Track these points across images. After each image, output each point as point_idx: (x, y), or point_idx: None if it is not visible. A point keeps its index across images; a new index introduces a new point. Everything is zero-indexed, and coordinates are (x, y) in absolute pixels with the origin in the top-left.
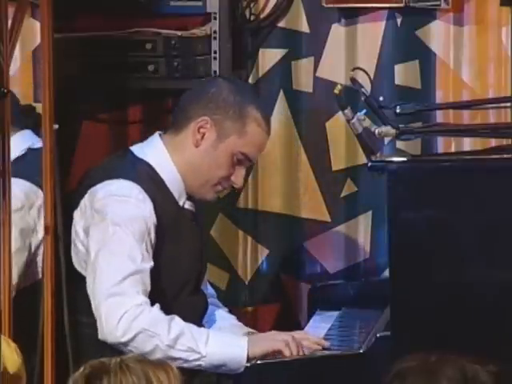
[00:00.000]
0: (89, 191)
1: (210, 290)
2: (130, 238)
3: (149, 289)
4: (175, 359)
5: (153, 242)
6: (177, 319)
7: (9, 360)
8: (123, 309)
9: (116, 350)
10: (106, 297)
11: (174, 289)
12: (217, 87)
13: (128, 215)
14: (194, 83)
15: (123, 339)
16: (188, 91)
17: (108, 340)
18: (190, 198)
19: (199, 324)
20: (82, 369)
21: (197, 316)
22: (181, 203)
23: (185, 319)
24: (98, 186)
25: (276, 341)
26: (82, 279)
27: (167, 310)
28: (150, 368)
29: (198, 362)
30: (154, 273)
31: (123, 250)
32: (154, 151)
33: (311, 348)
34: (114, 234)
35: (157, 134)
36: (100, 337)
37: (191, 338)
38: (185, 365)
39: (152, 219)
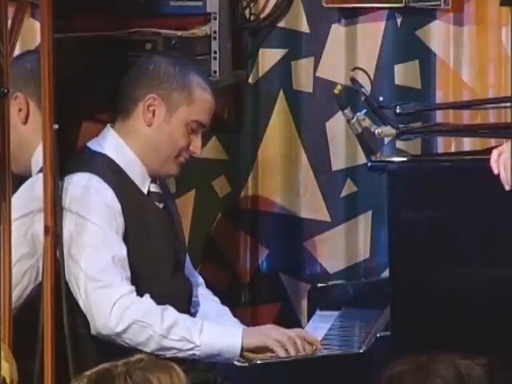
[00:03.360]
0: None
1: (198, 279)
2: (100, 227)
3: (129, 274)
4: (169, 349)
5: (121, 228)
6: (170, 309)
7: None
8: (112, 300)
9: (111, 348)
10: (92, 290)
11: (149, 274)
12: (155, 63)
13: (92, 205)
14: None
15: (117, 329)
16: (126, 75)
17: (102, 333)
18: (154, 180)
19: (185, 308)
20: (88, 374)
21: (180, 299)
22: (145, 189)
23: (166, 303)
24: (63, 182)
25: (270, 338)
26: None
27: (147, 294)
28: (154, 377)
29: (192, 352)
30: (128, 259)
31: (96, 240)
32: (108, 142)
33: (304, 348)
34: (83, 227)
35: (108, 126)
36: (93, 331)
37: (185, 327)
38: (179, 354)
39: (116, 206)
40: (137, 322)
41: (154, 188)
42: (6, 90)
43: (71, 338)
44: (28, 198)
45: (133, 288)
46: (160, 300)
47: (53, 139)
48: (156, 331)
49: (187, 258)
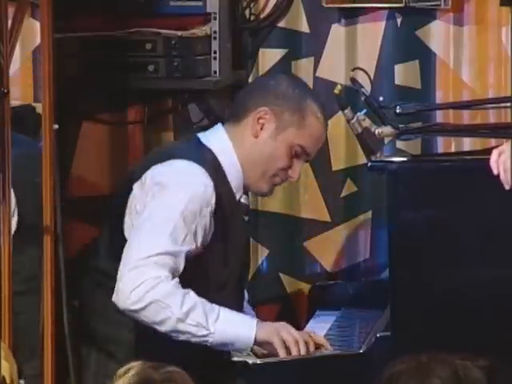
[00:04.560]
0: (152, 167)
1: (246, 294)
2: (180, 218)
3: (180, 270)
4: (183, 333)
5: (205, 226)
6: (191, 294)
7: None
8: (141, 279)
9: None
10: (132, 267)
11: (219, 281)
12: (276, 80)
13: (187, 193)
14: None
15: (134, 307)
16: (248, 85)
17: (119, 306)
18: (246, 192)
19: None
20: (128, 371)
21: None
22: (237, 197)
23: None
24: (162, 164)
25: (277, 336)
26: None
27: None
28: None
29: (205, 338)
30: (201, 261)
31: (167, 227)
32: (217, 139)
33: (308, 351)
34: (166, 212)
35: (220, 124)
36: (113, 299)
37: (202, 313)
38: (192, 339)
39: (210, 205)
40: (156, 302)
41: (243, 200)
42: (6, 90)
43: (71, 338)
44: None
45: (168, 275)
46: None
47: (53, 139)
48: (174, 313)
49: None
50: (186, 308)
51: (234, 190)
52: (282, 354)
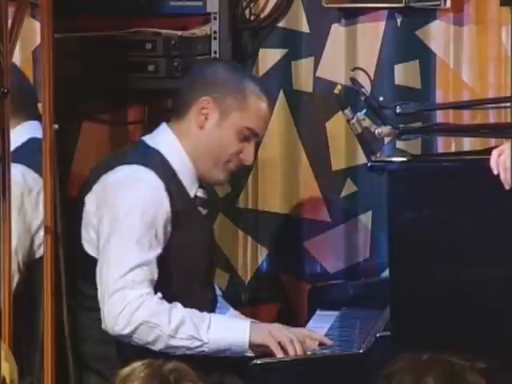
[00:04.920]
0: (101, 177)
1: (218, 291)
2: (140, 225)
3: (156, 277)
4: (177, 347)
5: (166, 228)
6: (178, 307)
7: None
8: (124, 302)
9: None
10: (112, 291)
11: (184, 280)
12: (212, 68)
13: (140, 200)
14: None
15: (124, 332)
16: (185, 77)
17: (110, 332)
18: (201, 185)
19: None
20: (134, 370)
21: (206, 308)
22: (192, 193)
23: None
24: (111, 172)
25: (272, 339)
26: (95, 263)
27: (177, 301)
28: None
29: (201, 349)
30: (164, 263)
31: (132, 237)
32: (164, 140)
33: (312, 347)
34: (124, 220)
35: (164, 124)
36: (102, 327)
37: (192, 325)
38: (188, 352)
39: (165, 206)
40: (145, 323)
41: (200, 193)
42: (6, 90)
43: (71, 338)
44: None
45: (149, 290)
46: (188, 306)
47: (53, 139)
48: (164, 331)
49: None
50: (175, 323)
51: (187, 187)
52: (279, 355)
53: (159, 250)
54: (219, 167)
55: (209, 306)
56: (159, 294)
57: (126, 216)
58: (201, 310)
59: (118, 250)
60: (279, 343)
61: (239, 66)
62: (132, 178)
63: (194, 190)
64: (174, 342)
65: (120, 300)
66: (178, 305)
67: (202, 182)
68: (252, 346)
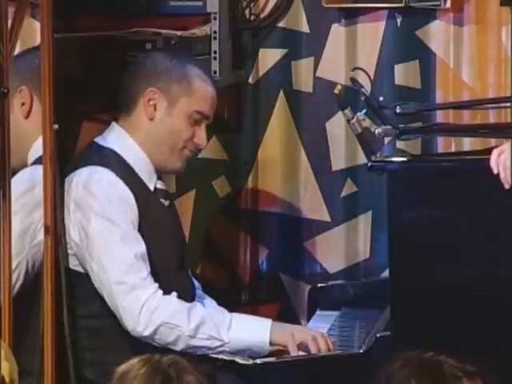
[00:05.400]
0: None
1: (195, 283)
2: (117, 224)
3: (149, 268)
4: (198, 348)
5: (136, 220)
6: (198, 307)
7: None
8: (139, 303)
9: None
10: (118, 294)
11: (157, 270)
12: (152, 58)
13: (106, 200)
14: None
15: (146, 333)
16: (126, 72)
17: (134, 334)
18: (160, 177)
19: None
20: (132, 366)
21: (186, 296)
22: (151, 186)
23: None
24: (70, 176)
25: (293, 341)
26: (75, 275)
27: (172, 292)
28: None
29: (221, 349)
30: None
31: (115, 238)
32: (116, 138)
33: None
34: (102, 225)
35: (113, 122)
36: (124, 327)
37: (212, 325)
38: (208, 352)
39: (130, 198)
40: (164, 324)
41: (160, 185)
42: (6, 90)
43: (71, 338)
44: (21, 192)
45: (157, 285)
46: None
47: (53, 139)
48: (184, 332)
49: None
50: (195, 323)
51: (146, 181)
52: (313, 349)
53: (142, 241)
54: (175, 155)
55: (187, 293)
56: (175, 293)
57: (101, 224)
58: (179, 297)
59: (109, 256)
60: (299, 344)
61: (179, 52)
62: (91, 181)
63: (153, 183)
64: (194, 342)
65: (133, 301)
66: (198, 304)
67: (161, 174)
68: (273, 345)
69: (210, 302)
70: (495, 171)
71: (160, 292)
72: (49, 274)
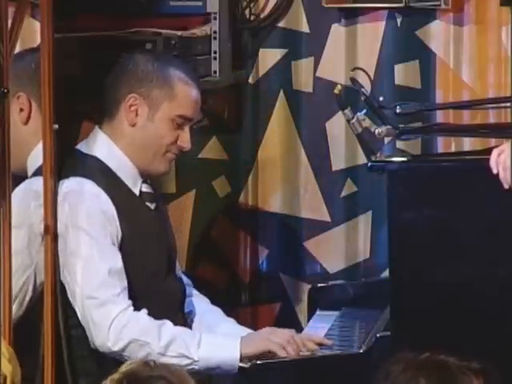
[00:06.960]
0: None
1: (185, 279)
2: (94, 238)
3: (126, 283)
4: None
5: (117, 233)
6: (168, 325)
7: (5, 368)
8: (109, 319)
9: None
10: (89, 308)
11: (144, 275)
12: (133, 62)
13: (85, 213)
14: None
15: (115, 349)
16: (108, 76)
17: (100, 350)
18: (145, 180)
19: (179, 308)
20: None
21: (175, 299)
22: (136, 190)
23: (161, 307)
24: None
25: (271, 342)
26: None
27: (140, 300)
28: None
29: (191, 367)
30: (124, 265)
31: (92, 252)
32: (99, 144)
33: (313, 349)
34: (78, 237)
35: (96, 127)
36: (92, 346)
37: (182, 343)
38: None
39: (111, 211)
40: (134, 341)
41: (145, 188)
42: (6, 90)
43: (67, 340)
44: (26, 205)
45: (130, 302)
46: (156, 300)
47: (53, 139)
48: (154, 349)
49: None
50: (165, 341)
51: (131, 186)
52: (283, 355)
53: (119, 255)
54: (159, 159)
55: (176, 296)
56: (145, 310)
57: (78, 237)
58: (167, 304)
59: (83, 270)
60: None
61: (162, 54)
62: (71, 192)
63: (138, 187)
64: (164, 360)
65: (103, 316)
66: (168, 322)
67: (146, 177)
68: (249, 358)
69: (201, 300)
70: (495, 171)
71: (131, 309)
72: (49, 274)
